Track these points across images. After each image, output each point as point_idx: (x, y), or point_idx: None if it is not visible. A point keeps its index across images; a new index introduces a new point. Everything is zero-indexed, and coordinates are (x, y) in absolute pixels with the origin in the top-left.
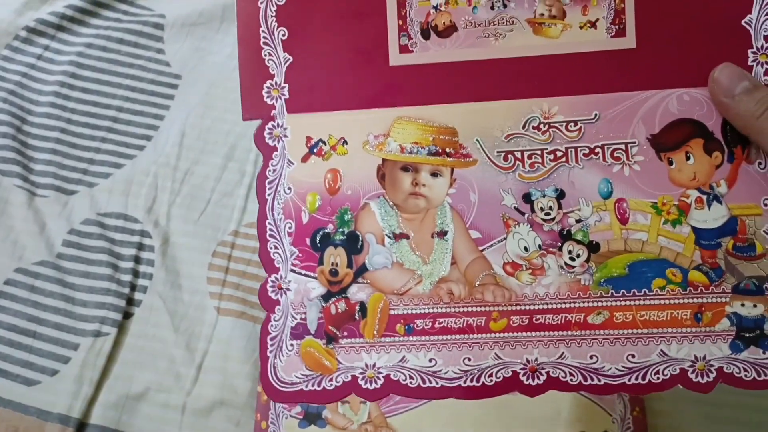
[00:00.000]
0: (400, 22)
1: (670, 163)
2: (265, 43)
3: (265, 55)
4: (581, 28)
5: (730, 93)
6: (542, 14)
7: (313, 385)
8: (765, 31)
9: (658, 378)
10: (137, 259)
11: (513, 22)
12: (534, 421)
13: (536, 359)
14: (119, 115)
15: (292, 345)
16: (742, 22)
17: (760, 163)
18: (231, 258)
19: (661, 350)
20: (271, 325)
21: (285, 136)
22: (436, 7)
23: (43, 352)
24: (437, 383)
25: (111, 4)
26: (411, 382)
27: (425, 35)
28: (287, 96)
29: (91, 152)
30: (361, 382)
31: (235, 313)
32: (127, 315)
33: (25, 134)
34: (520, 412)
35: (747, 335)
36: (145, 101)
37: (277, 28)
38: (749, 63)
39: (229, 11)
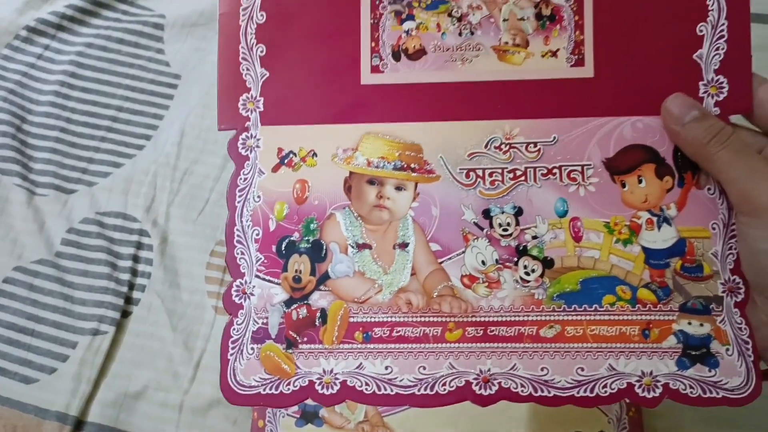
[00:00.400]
0: (373, 44)
1: (623, 185)
2: (243, 58)
3: (243, 70)
4: (543, 56)
5: (681, 121)
6: (507, 42)
7: (270, 389)
8: (714, 66)
9: (606, 391)
10: (136, 258)
11: (479, 48)
12: (530, 421)
13: (489, 370)
14: (119, 115)
15: (252, 349)
16: (694, 56)
17: (709, 189)
18: None
19: (610, 364)
20: (234, 329)
21: (257, 146)
22: (407, 32)
23: (42, 351)
24: (392, 390)
25: (111, 4)
26: (367, 389)
27: (396, 57)
28: (262, 109)
29: (91, 151)
30: (318, 387)
31: None
32: (125, 314)
33: (25, 133)
34: (517, 411)
35: (693, 353)
36: (145, 101)
37: (256, 44)
38: (700, 95)
39: None
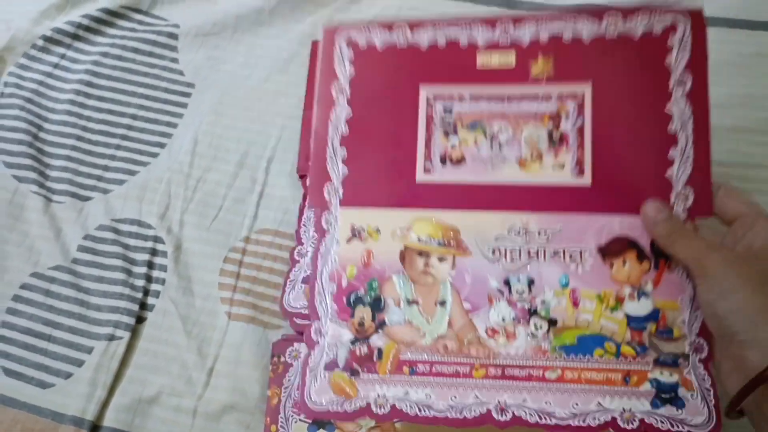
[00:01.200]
0: (426, 152)
1: (612, 266)
2: (330, 158)
3: (329, 166)
4: (553, 168)
5: (654, 220)
6: (526, 155)
7: (336, 407)
8: (683, 181)
9: (595, 422)
10: (150, 265)
11: (505, 159)
12: None
13: (505, 401)
14: (134, 123)
15: (324, 375)
16: (666, 175)
17: (678, 272)
18: (242, 264)
19: (598, 401)
20: (311, 359)
21: (336, 223)
22: (452, 145)
23: (58, 356)
24: (430, 413)
25: (126, 14)
26: (410, 411)
27: (443, 162)
28: (341, 196)
29: (106, 159)
30: (374, 408)
31: (245, 318)
32: (140, 319)
33: (42, 141)
34: None
35: (664, 396)
36: (159, 109)
37: (339, 148)
38: (671, 202)
39: (241, 21)
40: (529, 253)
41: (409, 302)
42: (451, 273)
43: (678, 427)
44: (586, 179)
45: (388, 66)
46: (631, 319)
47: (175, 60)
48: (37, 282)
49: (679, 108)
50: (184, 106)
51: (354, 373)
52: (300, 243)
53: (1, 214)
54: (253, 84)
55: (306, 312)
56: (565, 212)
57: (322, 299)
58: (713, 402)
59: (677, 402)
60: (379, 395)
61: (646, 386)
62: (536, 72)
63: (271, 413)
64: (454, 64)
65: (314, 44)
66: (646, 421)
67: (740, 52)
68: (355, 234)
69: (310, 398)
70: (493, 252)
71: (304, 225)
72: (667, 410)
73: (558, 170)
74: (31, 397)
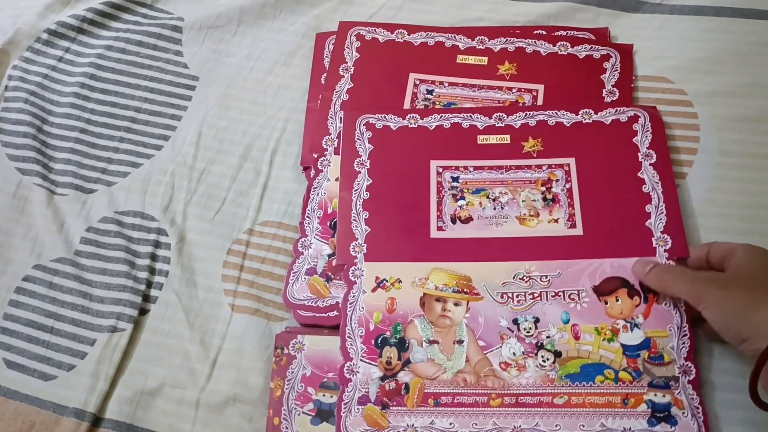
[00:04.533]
0: (438, 213)
1: (606, 303)
2: (354, 220)
3: (354, 227)
4: (549, 222)
5: (642, 273)
6: (525, 213)
7: None
8: (660, 229)
9: None
10: (154, 257)
11: (507, 217)
12: None
13: (520, 426)
14: (137, 116)
15: (358, 409)
16: (646, 224)
17: (666, 304)
18: (246, 256)
19: (602, 423)
20: (345, 395)
21: (362, 275)
22: (460, 206)
23: (60, 348)
24: None
25: (131, 8)
26: None
27: (453, 222)
28: (365, 251)
29: (110, 152)
30: None
31: (249, 311)
32: (143, 311)
33: (46, 134)
34: None
35: (659, 415)
36: (163, 102)
37: (362, 211)
38: (653, 246)
39: (246, 14)
40: (533, 295)
41: (430, 342)
42: (466, 315)
43: None
44: (578, 230)
45: (401, 144)
46: (626, 348)
47: (179, 53)
48: (40, 274)
49: (648, 174)
50: (188, 99)
51: (385, 406)
52: (304, 235)
53: (5, 206)
54: (258, 77)
55: (309, 304)
56: (562, 259)
57: (352, 342)
58: (702, 418)
59: (670, 420)
60: (408, 425)
61: (643, 407)
62: (528, 148)
63: (274, 405)
64: (458, 141)
65: (318, 37)
66: None
67: (746, 41)
68: (380, 284)
69: (347, 430)
70: (502, 296)
71: (307, 217)
72: (662, 428)
73: (553, 224)
74: (33, 390)
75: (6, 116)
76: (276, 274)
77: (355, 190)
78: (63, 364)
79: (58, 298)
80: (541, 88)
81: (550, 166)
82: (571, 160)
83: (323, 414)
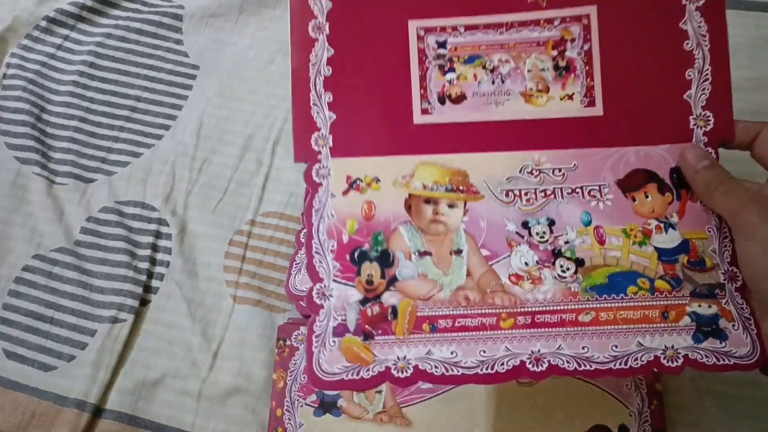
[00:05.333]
0: (422, 91)
1: (634, 200)
2: (314, 104)
3: (314, 114)
4: (561, 99)
5: (694, 168)
6: (531, 88)
7: (352, 375)
8: (702, 103)
9: (638, 363)
10: (155, 247)
11: (509, 93)
12: (552, 413)
13: (539, 350)
14: (138, 105)
15: (334, 341)
16: (684, 96)
17: (701, 201)
18: (247, 247)
19: (638, 341)
20: (316, 325)
21: (329, 175)
22: (449, 81)
23: (61, 338)
24: (458, 371)
25: None
26: (436, 371)
27: (441, 102)
28: (331, 145)
29: (110, 141)
30: (394, 372)
31: (251, 302)
32: (144, 302)
33: (45, 123)
34: (539, 403)
35: (705, 329)
36: (164, 91)
37: (324, 93)
38: (690, 127)
39: (247, 3)
40: (545, 192)
41: (421, 254)
42: (464, 220)
43: (723, 360)
44: (598, 109)
45: None
46: (661, 252)
47: (179, 41)
48: (39, 264)
49: (693, 24)
50: (188, 88)
51: (367, 336)
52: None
53: (4, 195)
54: (259, 66)
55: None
56: (578, 147)
57: (321, 259)
58: (755, 332)
59: (719, 334)
60: (398, 358)
61: (686, 320)
62: None
63: (277, 397)
64: None
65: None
66: (690, 357)
67: (755, 35)
68: (352, 185)
69: (321, 368)
70: (507, 194)
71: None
72: (710, 343)
73: (567, 102)
74: (34, 380)
75: (4, 104)
76: (278, 265)
77: (313, 64)
78: (63, 354)
79: (58, 288)
80: (593, 11)
81: (563, 20)
82: (592, 9)
83: (326, 405)
